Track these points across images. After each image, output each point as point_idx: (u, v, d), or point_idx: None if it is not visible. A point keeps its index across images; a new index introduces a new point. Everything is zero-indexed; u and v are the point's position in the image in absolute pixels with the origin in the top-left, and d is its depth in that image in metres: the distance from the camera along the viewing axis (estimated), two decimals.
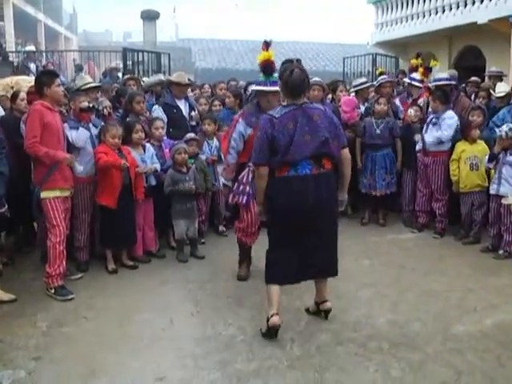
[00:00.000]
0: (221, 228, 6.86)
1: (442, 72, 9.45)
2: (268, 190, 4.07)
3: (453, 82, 7.37)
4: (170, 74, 10.41)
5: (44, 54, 15.84)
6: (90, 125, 5.57)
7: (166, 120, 6.29)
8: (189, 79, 9.40)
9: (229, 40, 28.85)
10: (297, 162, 3.93)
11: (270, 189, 4.05)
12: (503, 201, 5.99)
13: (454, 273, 5.50)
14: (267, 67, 4.75)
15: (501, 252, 6.07)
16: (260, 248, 4.63)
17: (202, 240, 6.45)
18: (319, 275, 4.20)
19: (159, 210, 6.01)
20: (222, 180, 5.15)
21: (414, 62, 8.17)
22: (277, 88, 4.63)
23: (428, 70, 7.89)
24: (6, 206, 4.71)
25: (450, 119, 6.69)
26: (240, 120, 5.08)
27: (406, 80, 8.18)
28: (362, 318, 4.40)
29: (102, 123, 5.71)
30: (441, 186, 6.78)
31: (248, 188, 4.96)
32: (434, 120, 6.73)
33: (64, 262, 4.97)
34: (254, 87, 5.06)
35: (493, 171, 6.18)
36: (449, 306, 4.67)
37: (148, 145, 5.90)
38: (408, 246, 6.49)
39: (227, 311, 4.56)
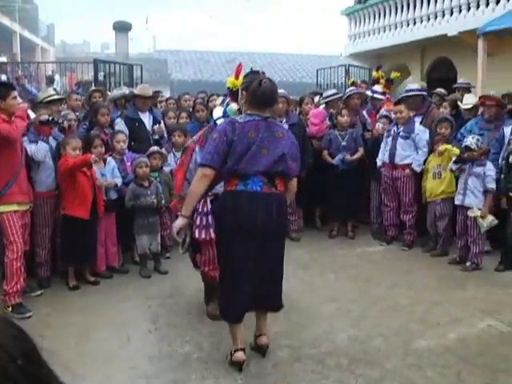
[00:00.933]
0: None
1: (414, 83, 9.55)
2: (215, 205, 3.88)
3: (424, 93, 7.39)
4: None
5: (20, 66, 15.60)
6: (51, 138, 5.48)
7: (127, 133, 6.19)
8: (158, 91, 9.35)
9: (205, 51, 28.75)
10: (248, 175, 3.59)
11: (218, 204, 3.83)
12: (469, 213, 5.98)
13: (421, 286, 5.46)
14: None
15: (468, 264, 6.05)
16: None
17: (167, 254, 6.35)
18: (263, 308, 3.89)
19: (122, 225, 5.91)
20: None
21: (375, 74, 8.23)
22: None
23: (389, 82, 7.92)
24: None
25: (423, 134, 6.68)
26: (196, 149, 4.40)
27: (368, 93, 8.17)
28: (322, 333, 4.32)
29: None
30: (411, 198, 6.76)
31: (210, 219, 4.28)
32: (402, 134, 6.70)
33: (22, 279, 4.84)
34: (218, 120, 4.35)
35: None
36: (412, 320, 4.61)
37: (109, 158, 5.80)
38: (376, 258, 6.44)
39: (186, 328, 4.46)
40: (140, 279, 5.71)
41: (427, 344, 4.16)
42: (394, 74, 8.26)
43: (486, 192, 5.98)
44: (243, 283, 3.66)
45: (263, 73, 3.92)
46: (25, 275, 4.91)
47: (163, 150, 6.50)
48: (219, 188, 3.93)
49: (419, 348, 4.09)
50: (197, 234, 4.36)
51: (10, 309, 4.75)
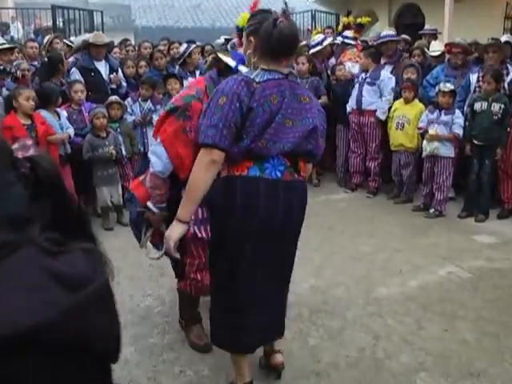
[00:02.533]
0: None
1: (382, 30, 9.40)
2: (215, 195, 2.66)
3: (399, 39, 7.30)
4: (103, 33, 9.95)
5: None
6: (4, 89, 5.27)
7: (83, 83, 5.97)
8: (126, 39, 9.05)
9: None
10: (269, 155, 2.58)
11: (217, 193, 2.65)
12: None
13: (384, 233, 5.48)
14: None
15: (432, 211, 6.11)
16: None
17: None
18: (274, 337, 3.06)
19: (82, 177, 5.74)
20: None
21: (345, 20, 8.08)
22: None
23: (360, 27, 7.81)
24: None
25: (389, 80, 6.61)
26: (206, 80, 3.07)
27: (339, 38, 8.04)
28: None
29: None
30: (377, 145, 6.74)
31: (199, 212, 3.08)
32: (369, 80, 6.62)
33: None
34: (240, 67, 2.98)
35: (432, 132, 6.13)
36: (374, 268, 4.64)
37: (59, 110, 5.60)
38: (340, 206, 6.45)
39: (148, 281, 4.42)
40: (102, 232, 5.62)
41: (388, 292, 4.19)
42: (364, 19, 8.12)
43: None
44: (255, 303, 2.75)
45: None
46: None
47: (128, 100, 6.34)
48: None
49: (380, 296, 4.12)
50: (192, 230, 3.10)
51: None
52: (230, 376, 3.12)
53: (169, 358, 3.33)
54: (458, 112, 6.03)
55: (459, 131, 5.94)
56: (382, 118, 6.57)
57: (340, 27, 8.82)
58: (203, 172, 2.54)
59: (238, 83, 2.52)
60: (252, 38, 2.67)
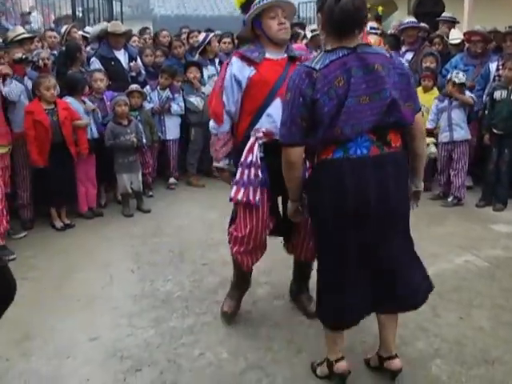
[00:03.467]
0: (170, 180, 6.76)
1: (401, 18, 9.35)
2: (307, 181, 2.79)
3: (420, 25, 7.26)
4: (122, 22, 10.02)
5: None
6: (26, 78, 5.36)
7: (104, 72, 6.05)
8: (146, 27, 9.10)
9: None
10: (348, 138, 2.56)
11: (310, 179, 2.78)
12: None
13: None
14: None
15: (450, 199, 6.11)
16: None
17: (150, 193, 6.38)
18: (398, 309, 2.95)
19: (104, 164, 5.87)
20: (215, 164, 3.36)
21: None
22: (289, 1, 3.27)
23: (379, 18, 7.78)
24: None
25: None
26: (233, 59, 3.32)
27: (367, 29, 8.00)
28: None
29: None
30: None
31: (258, 173, 3.23)
32: None
33: (5, 222, 4.82)
34: (250, 12, 3.25)
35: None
36: None
37: (86, 99, 5.71)
38: None
39: (167, 267, 4.51)
40: (122, 219, 5.73)
41: None
42: (379, 9, 8.08)
43: (469, 120, 6.09)
44: (356, 284, 2.72)
45: None
46: (8, 218, 4.88)
47: (147, 88, 6.42)
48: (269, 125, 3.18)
49: None
50: (232, 193, 3.28)
51: None
52: (248, 359, 3.20)
53: (188, 341, 3.40)
54: (467, 92, 6.11)
55: (474, 98, 6.06)
56: None
57: None
58: (288, 171, 2.71)
59: (299, 76, 2.55)
60: (319, 15, 2.67)
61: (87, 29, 8.19)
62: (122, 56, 6.53)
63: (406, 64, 6.65)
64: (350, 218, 2.59)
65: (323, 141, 2.58)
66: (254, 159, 3.22)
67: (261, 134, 3.21)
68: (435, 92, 6.42)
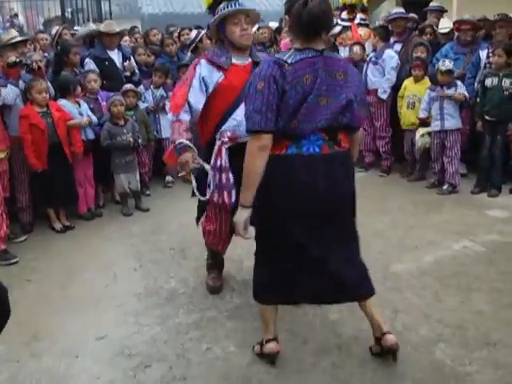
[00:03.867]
0: (167, 179, 6.80)
1: (390, 8, 9.35)
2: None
3: (408, 16, 7.30)
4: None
5: None
6: (20, 81, 5.38)
7: (98, 73, 6.06)
8: (135, 26, 9.10)
9: None
10: (304, 134, 2.72)
11: (267, 173, 2.77)
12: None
13: (397, 211, 5.58)
14: None
15: (445, 187, 6.18)
16: None
17: (148, 192, 6.41)
18: (348, 298, 3.10)
19: (101, 165, 5.89)
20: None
21: (341, 0, 8.01)
22: (249, 7, 3.51)
23: (352, 8, 7.74)
24: None
25: (391, 60, 6.66)
26: (201, 61, 3.55)
27: (338, 21, 8.01)
28: None
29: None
30: (383, 124, 6.81)
31: (229, 177, 3.48)
32: (373, 59, 6.70)
33: (5, 226, 4.84)
34: (214, 17, 3.49)
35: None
36: (390, 244, 4.74)
37: (81, 100, 5.72)
38: None
39: (170, 264, 4.55)
40: (122, 218, 5.77)
41: (405, 267, 4.30)
42: (364, 0, 8.03)
43: (461, 108, 6.16)
44: (290, 267, 2.88)
45: None
46: (7, 222, 4.91)
47: (141, 88, 6.45)
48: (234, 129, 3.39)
49: (397, 271, 4.23)
50: (208, 194, 3.56)
51: None
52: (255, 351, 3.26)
53: (195, 336, 3.45)
54: (459, 83, 6.18)
55: (465, 93, 6.09)
56: (383, 97, 6.65)
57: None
58: (254, 159, 2.71)
59: (272, 66, 2.66)
60: (287, 17, 2.79)
61: (77, 28, 8.19)
62: (115, 56, 6.53)
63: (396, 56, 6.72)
64: (300, 209, 2.76)
65: (281, 133, 2.69)
66: (223, 164, 3.44)
67: (226, 139, 3.41)
68: (426, 82, 6.47)
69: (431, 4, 8.35)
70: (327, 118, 2.71)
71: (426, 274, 4.16)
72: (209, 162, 3.51)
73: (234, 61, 3.51)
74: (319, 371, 3.07)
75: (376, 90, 6.72)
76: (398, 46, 7.00)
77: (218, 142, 3.47)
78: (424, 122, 6.28)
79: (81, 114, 5.59)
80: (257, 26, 7.24)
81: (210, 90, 3.48)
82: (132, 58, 6.74)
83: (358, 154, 7.07)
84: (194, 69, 3.52)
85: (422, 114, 6.27)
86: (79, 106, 5.64)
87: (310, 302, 3.22)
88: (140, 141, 5.88)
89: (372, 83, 6.74)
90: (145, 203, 6.00)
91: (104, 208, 6.08)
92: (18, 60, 5.28)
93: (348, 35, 7.58)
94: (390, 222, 5.27)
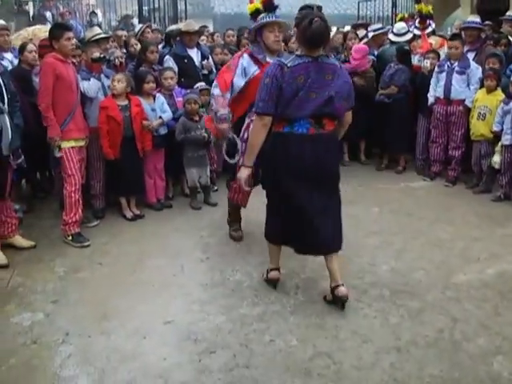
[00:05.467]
0: None
1: (464, 16, 9.25)
2: (265, 145, 3.75)
3: (479, 26, 7.22)
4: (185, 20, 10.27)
5: (61, 2, 15.53)
6: (102, 75, 5.66)
7: (176, 70, 6.29)
8: (204, 26, 9.34)
9: None
10: (296, 118, 3.62)
11: (268, 142, 3.73)
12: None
13: (462, 222, 5.56)
14: (269, 4, 4.47)
15: None
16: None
17: (215, 187, 6.59)
18: (319, 251, 3.89)
19: (172, 158, 6.12)
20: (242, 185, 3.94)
21: (419, 7, 7.99)
22: (282, 20, 4.46)
23: (424, 18, 7.72)
24: (23, 157, 4.83)
25: (478, 70, 6.62)
26: (244, 55, 4.62)
27: (427, 31, 7.99)
28: (366, 265, 4.53)
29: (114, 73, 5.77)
30: (463, 134, 6.76)
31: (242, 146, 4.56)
32: (457, 69, 6.62)
33: (80, 210, 5.13)
34: (255, 24, 4.50)
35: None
36: (452, 255, 4.76)
37: (158, 94, 5.95)
38: (419, 194, 6.56)
39: (235, 258, 4.72)
40: (190, 211, 5.97)
41: (466, 278, 4.32)
42: (425, 9, 7.97)
43: None
44: (287, 218, 3.79)
45: (319, 8, 3.76)
46: (82, 207, 5.20)
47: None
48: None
49: (458, 282, 4.26)
50: (236, 158, 4.64)
51: (70, 238, 5.07)
52: (316, 347, 3.39)
53: (259, 328, 3.61)
54: None
55: None
56: (470, 106, 6.59)
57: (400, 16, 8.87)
58: (257, 133, 3.73)
59: (276, 68, 3.60)
60: (295, 29, 3.71)
61: (155, 27, 8.48)
62: (194, 54, 6.72)
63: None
64: (291, 172, 3.65)
65: (278, 117, 3.62)
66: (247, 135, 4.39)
67: (253, 118, 4.05)
68: (498, 93, 6.39)
69: (508, 13, 8.23)
70: (313, 108, 3.59)
71: (488, 287, 4.17)
72: (237, 134, 4.61)
73: (267, 59, 4.45)
74: (378, 370, 3.17)
75: (460, 101, 6.65)
76: (471, 55, 6.94)
77: (247, 120, 4.56)
78: (497, 136, 6.22)
79: (152, 110, 5.82)
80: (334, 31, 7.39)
81: (247, 78, 4.52)
82: (210, 56, 6.93)
83: (425, 163, 7.12)
84: (238, 59, 4.59)
85: (496, 128, 6.21)
86: (154, 100, 5.88)
87: (295, 250, 3.96)
88: (211, 137, 6.06)
89: (458, 93, 6.65)
90: (213, 198, 6.19)
91: (173, 200, 6.30)
92: (101, 55, 5.56)
93: (419, 43, 7.59)
94: (453, 232, 5.27)
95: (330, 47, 6.91)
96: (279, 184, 3.74)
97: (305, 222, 3.72)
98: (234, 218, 5.15)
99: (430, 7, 8.08)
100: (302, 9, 3.86)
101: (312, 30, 3.51)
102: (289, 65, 3.57)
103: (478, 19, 7.35)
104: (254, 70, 4.51)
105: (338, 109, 3.69)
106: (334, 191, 3.84)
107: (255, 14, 4.55)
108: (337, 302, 3.81)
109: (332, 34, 7.22)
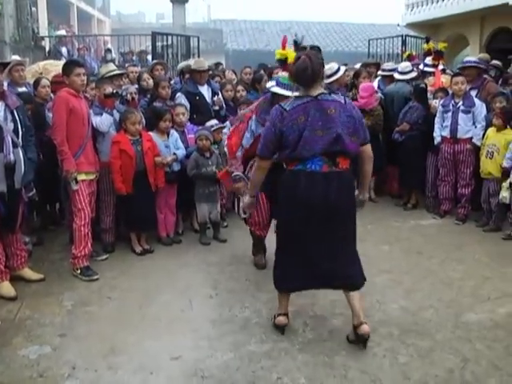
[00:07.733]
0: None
1: (473, 54, 9.36)
2: (279, 182, 3.80)
3: (481, 66, 7.29)
4: (199, 57, 10.45)
5: (77, 38, 15.90)
6: (114, 111, 5.75)
7: (188, 106, 6.38)
8: (219, 63, 9.51)
9: (260, 21, 28.76)
10: (307, 157, 3.59)
11: (281, 181, 3.77)
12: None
13: (472, 261, 5.53)
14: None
15: None
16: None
17: (225, 223, 6.60)
18: (336, 286, 3.86)
19: (183, 194, 6.16)
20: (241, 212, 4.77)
21: (425, 46, 8.11)
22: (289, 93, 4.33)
23: (439, 54, 7.82)
24: (34, 191, 4.89)
25: (483, 108, 6.67)
26: (253, 117, 4.96)
27: (420, 67, 8.11)
28: (375, 303, 4.49)
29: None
30: (471, 172, 6.77)
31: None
32: (463, 108, 6.67)
33: (89, 244, 5.16)
34: (272, 88, 4.67)
35: None
36: (463, 294, 4.72)
37: (172, 130, 6.04)
38: (429, 232, 6.53)
39: (245, 294, 4.70)
40: (200, 247, 5.97)
41: (477, 318, 4.27)
42: (441, 45, 8.11)
43: None
44: (297, 256, 3.75)
45: (314, 47, 3.93)
46: (91, 240, 5.22)
47: (227, 123, 6.69)
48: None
49: (469, 321, 4.21)
50: (247, 213, 4.77)
51: (79, 271, 5.08)
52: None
53: (267, 365, 3.58)
54: None
55: None
56: (478, 144, 6.61)
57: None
58: (257, 172, 3.92)
59: (276, 113, 3.67)
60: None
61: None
62: (205, 91, 6.82)
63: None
64: (301, 210, 3.64)
65: (290, 157, 3.66)
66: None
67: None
68: (508, 132, 6.42)
69: None
70: (323, 146, 3.57)
71: (499, 327, 4.12)
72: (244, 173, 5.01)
73: None
74: None
75: (467, 139, 6.70)
76: (473, 93, 6.98)
77: (251, 162, 4.88)
78: (508, 172, 6.20)
79: (166, 146, 5.89)
80: (344, 69, 7.47)
81: (254, 136, 4.83)
82: (220, 93, 7.02)
83: (434, 201, 7.10)
84: (247, 123, 5.00)
85: (506, 164, 6.21)
86: (167, 137, 5.95)
87: (306, 288, 3.98)
88: None
89: (464, 132, 6.69)
90: (222, 234, 6.20)
91: (182, 235, 6.32)
92: (114, 91, 5.66)
93: (430, 81, 7.67)
94: (463, 271, 5.24)
95: (339, 84, 7.12)
96: (290, 226, 3.76)
97: (314, 265, 3.73)
98: (257, 248, 5.41)
99: (445, 44, 8.22)
100: (296, 50, 4.24)
101: (295, 67, 3.63)
102: (287, 108, 3.62)
103: (473, 58, 7.47)
104: (259, 131, 4.67)
105: (349, 145, 3.63)
106: (346, 227, 3.77)
107: (282, 61, 4.90)
108: (359, 340, 3.76)
109: (341, 72, 7.28)
